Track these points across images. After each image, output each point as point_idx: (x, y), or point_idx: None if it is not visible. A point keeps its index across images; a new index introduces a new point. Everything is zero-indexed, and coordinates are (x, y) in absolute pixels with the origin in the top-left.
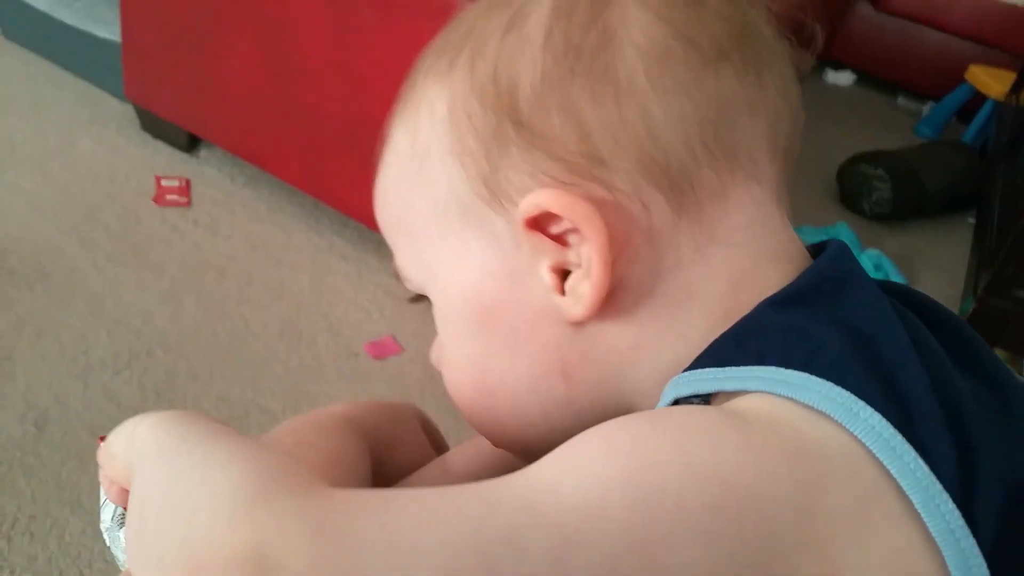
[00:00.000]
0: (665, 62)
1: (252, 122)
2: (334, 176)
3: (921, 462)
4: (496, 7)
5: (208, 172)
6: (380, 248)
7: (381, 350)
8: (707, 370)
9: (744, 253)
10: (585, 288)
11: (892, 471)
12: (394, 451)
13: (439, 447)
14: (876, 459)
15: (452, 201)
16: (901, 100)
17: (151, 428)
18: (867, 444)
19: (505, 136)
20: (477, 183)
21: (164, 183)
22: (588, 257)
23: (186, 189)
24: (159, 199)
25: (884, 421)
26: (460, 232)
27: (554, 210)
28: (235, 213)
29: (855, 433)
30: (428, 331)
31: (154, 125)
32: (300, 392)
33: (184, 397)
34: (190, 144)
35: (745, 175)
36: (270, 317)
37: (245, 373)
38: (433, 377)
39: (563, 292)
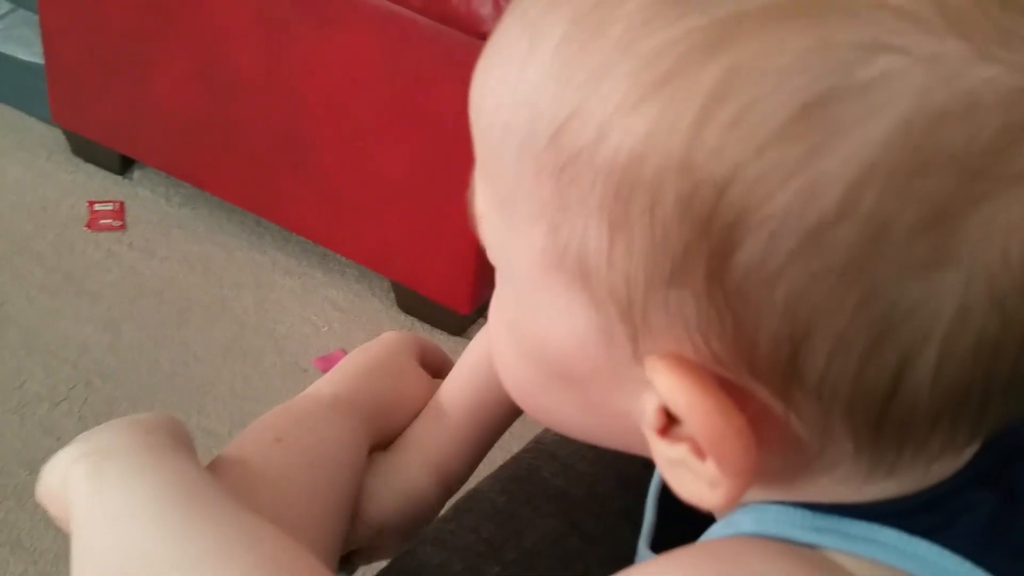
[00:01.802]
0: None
1: (187, 140)
2: (274, 191)
3: None
4: (829, 35)
5: (143, 194)
6: (325, 261)
7: (331, 364)
8: (803, 512)
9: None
10: (699, 490)
11: None
12: (400, 410)
13: (444, 371)
14: None
15: (576, 255)
16: None
17: (90, 477)
18: None
19: (689, 279)
20: (618, 278)
21: (97, 207)
22: (716, 478)
23: (120, 212)
24: (92, 224)
25: None
26: (570, 288)
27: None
28: (172, 234)
29: None
30: None
31: (85, 148)
32: (247, 413)
33: None
34: (123, 166)
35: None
36: (212, 339)
37: (189, 398)
38: None
39: (663, 434)
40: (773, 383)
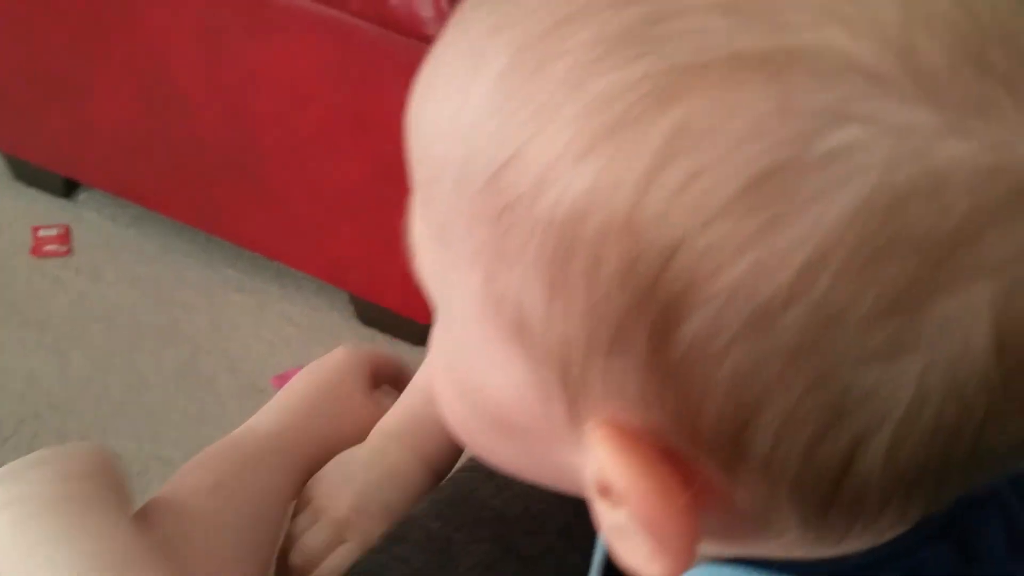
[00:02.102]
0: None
1: (131, 159)
2: (222, 207)
3: None
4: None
5: (88, 216)
6: (280, 276)
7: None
8: (757, 574)
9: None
10: (638, 561)
11: None
12: (337, 444)
13: (399, 381)
14: None
15: (513, 308)
16: None
17: (13, 529)
18: None
19: (630, 347)
20: (556, 339)
21: (42, 233)
22: (655, 552)
23: (66, 237)
24: (37, 251)
25: None
26: (507, 340)
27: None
28: (120, 257)
29: None
30: None
31: (27, 173)
32: (203, 438)
33: None
34: (67, 189)
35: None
36: (165, 363)
37: (142, 425)
38: None
39: (604, 495)
40: (718, 457)
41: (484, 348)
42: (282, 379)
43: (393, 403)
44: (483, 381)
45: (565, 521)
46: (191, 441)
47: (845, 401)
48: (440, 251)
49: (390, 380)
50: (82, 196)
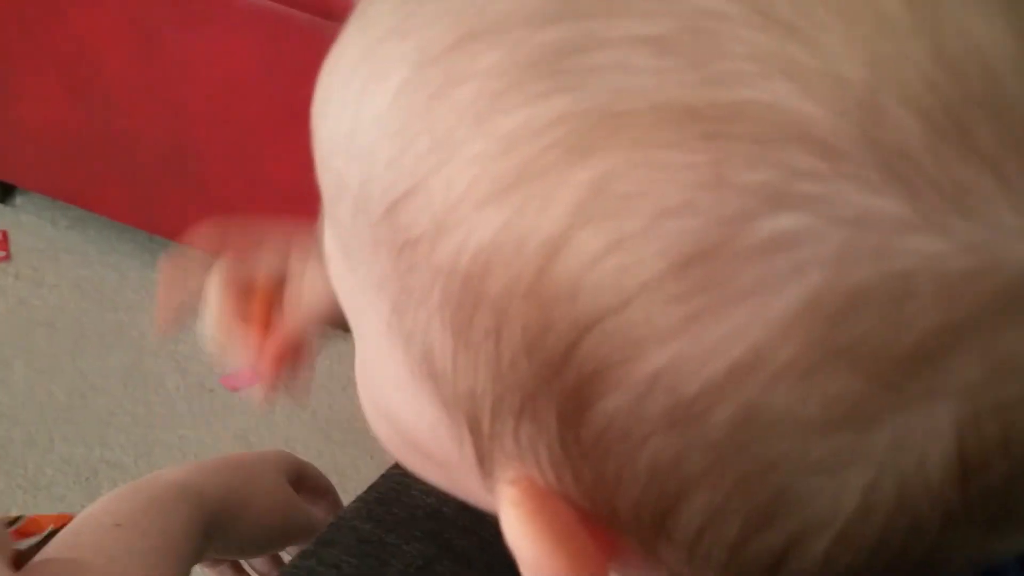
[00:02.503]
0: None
1: (67, 160)
2: (163, 205)
3: None
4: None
5: (26, 220)
6: None
7: (238, 382)
8: None
9: None
10: None
11: None
12: (248, 510)
13: (318, 492)
14: None
15: (421, 348)
16: None
17: None
18: None
19: (541, 418)
20: (464, 391)
21: None
22: None
23: (3, 242)
24: None
25: None
26: (418, 377)
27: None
28: (60, 260)
29: None
30: None
31: None
32: (152, 440)
33: (25, 466)
34: (3, 193)
35: None
36: (110, 366)
37: (89, 430)
38: (300, 404)
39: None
40: (639, 536)
41: (397, 377)
42: (231, 379)
43: (314, 510)
44: (398, 409)
45: None
46: (141, 445)
47: (778, 503)
48: (348, 269)
49: (312, 491)
50: (19, 200)
